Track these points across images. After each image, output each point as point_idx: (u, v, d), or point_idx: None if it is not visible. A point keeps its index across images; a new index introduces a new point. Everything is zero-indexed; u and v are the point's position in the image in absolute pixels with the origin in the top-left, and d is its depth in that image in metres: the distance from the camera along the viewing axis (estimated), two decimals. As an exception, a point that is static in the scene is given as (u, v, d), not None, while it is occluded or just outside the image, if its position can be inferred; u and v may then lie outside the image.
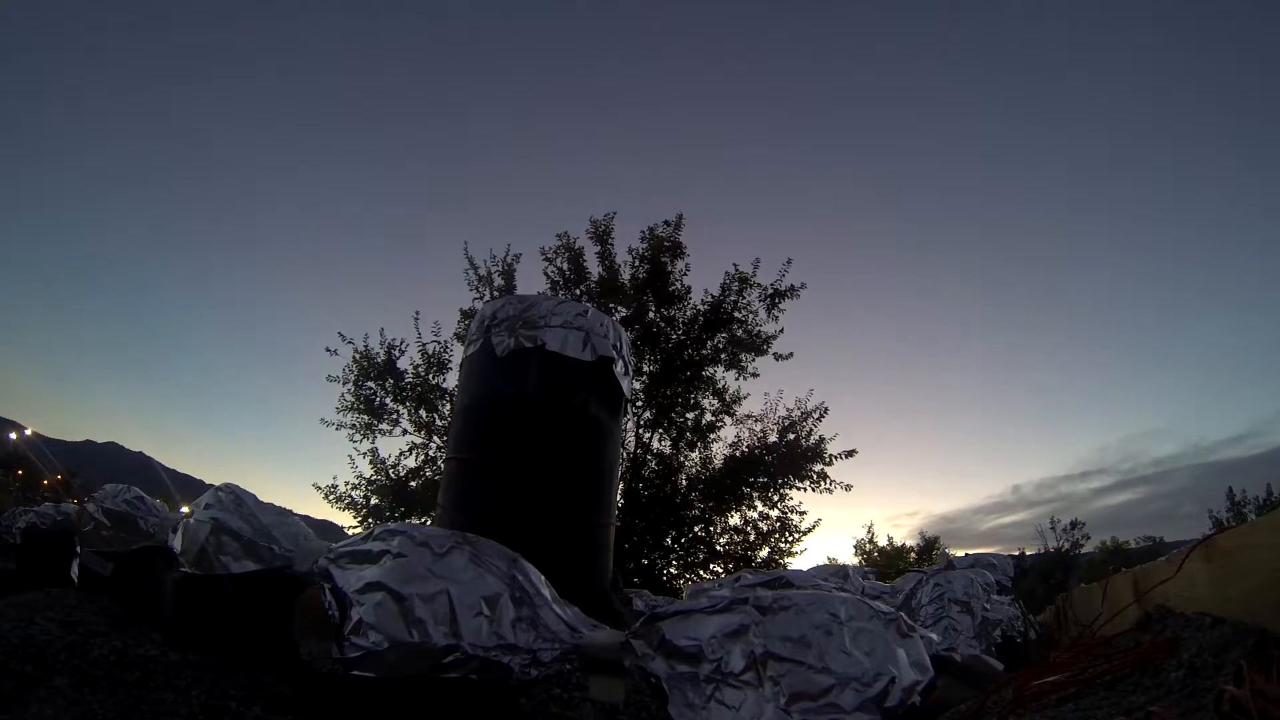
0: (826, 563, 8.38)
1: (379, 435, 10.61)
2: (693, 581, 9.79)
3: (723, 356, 10.56)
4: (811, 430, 10.38)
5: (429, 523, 6.07)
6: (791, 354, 10.56)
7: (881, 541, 23.01)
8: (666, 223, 10.65)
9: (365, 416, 10.54)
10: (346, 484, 10.54)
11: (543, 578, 2.31)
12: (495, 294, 10.43)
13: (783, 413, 10.58)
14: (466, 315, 10.52)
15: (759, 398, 11.15)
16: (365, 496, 10.48)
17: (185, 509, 3.99)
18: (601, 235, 10.77)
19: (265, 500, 2.90)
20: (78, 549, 4.07)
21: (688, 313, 10.61)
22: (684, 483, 10.56)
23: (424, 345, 10.59)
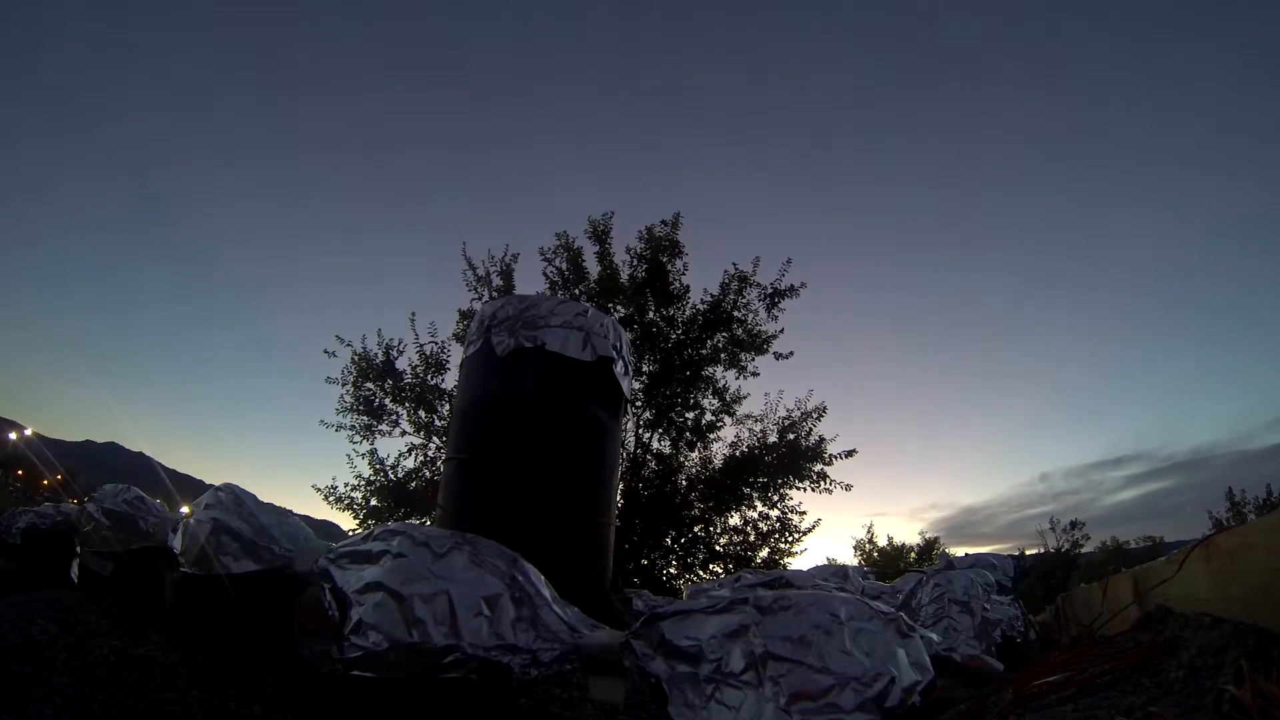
0: (826, 563, 8.39)
1: (378, 436, 10.62)
2: (693, 581, 9.78)
3: (722, 356, 10.54)
4: (811, 430, 10.39)
5: (429, 523, 6.07)
6: (791, 353, 10.55)
7: (881, 541, 23.03)
8: (664, 222, 10.62)
9: (364, 417, 10.53)
10: (346, 485, 10.54)
11: (543, 578, 2.31)
12: (494, 294, 10.40)
13: (783, 413, 10.59)
14: (465, 315, 10.49)
15: (759, 398, 11.15)
16: (365, 498, 10.48)
17: (185, 509, 3.99)
18: (600, 235, 10.74)
19: (265, 500, 2.90)
20: (78, 549, 4.06)
21: (687, 312, 10.59)
22: (684, 483, 10.54)
23: (421, 346, 10.57)
